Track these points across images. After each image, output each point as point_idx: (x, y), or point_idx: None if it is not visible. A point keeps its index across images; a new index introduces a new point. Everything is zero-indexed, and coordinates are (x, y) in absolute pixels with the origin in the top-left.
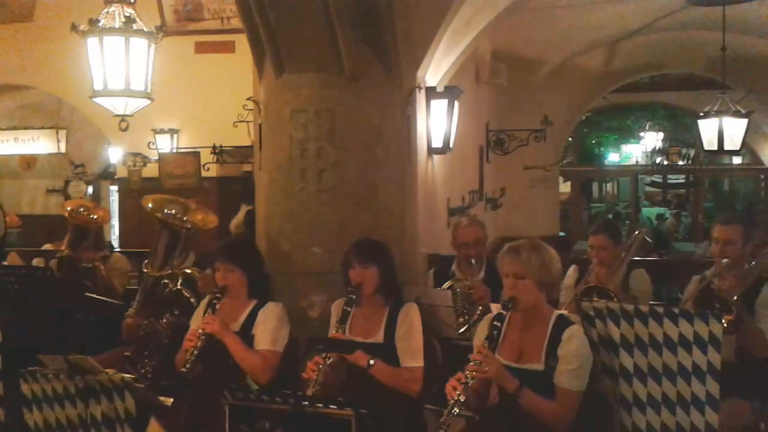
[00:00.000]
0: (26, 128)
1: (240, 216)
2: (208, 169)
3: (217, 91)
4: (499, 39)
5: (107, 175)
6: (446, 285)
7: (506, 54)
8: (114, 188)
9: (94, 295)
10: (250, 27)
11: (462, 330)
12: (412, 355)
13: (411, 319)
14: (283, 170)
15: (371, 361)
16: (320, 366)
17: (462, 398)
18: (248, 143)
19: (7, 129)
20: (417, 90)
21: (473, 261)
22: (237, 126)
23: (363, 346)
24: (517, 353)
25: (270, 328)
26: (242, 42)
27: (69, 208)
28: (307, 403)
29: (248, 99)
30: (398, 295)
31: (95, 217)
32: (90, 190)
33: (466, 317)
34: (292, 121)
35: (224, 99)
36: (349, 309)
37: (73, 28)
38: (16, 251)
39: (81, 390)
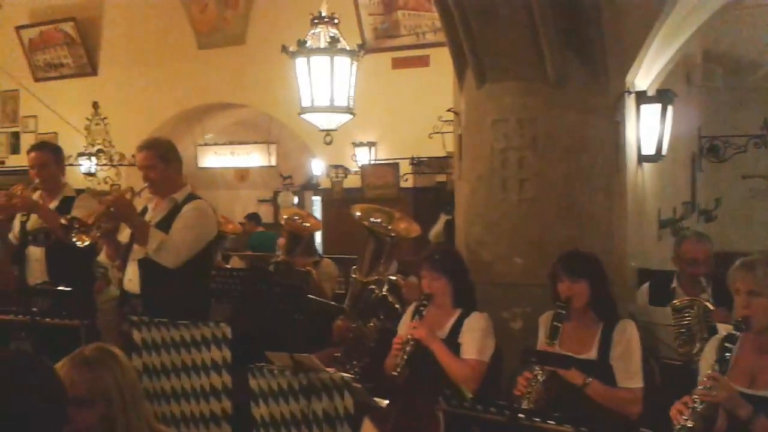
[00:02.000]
0: (241, 143)
1: (439, 225)
2: (406, 180)
3: (412, 105)
4: (711, 39)
5: (311, 185)
6: (678, 303)
7: (719, 55)
8: (317, 198)
9: (317, 299)
10: (452, 38)
11: (685, 351)
12: (631, 375)
13: (629, 337)
14: (483, 180)
15: (588, 380)
16: (532, 381)
17: (689, 424)
18: (443, 154)
19: (224, 144)
20: (626, 95)
21: (702, 279)
22: (432, 137)
23: (577, 363)
24: (750, 378)
25: (476, 337)
26: (437, 56)
27: (285, 217)
28: (523, 415)
29: (448, 110)
30: (612, 311)
31: (308, 225)
32: (296, 200)
33: (691, 337)
34: (494, 130)
35: (419, 112)
36: (558, 324)
37: (283, 49)
38: (238, 255)
39: (304, 387)
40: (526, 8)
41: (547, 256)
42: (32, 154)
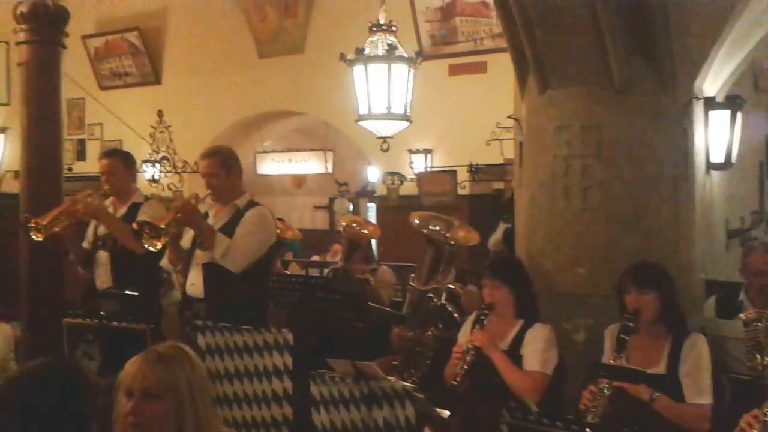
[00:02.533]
0: (298, 150)
1: (498, 234)
2: (464, 187)
3: (469, 111)
4: None
5: (366, 192)
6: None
7: None
8: (372, 205)
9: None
10: (513, 44)
11: (760, 367)
12: (700, 390)
13: (698, 352)
14: (545, 188)
15: (655, 395)
16: (597, 395)
17: None
18: (500, 161)
19: (282, 151)
20: (694, 101)
21: None
22: (490, 144)
23: (645, 377)
24: None
25: (539, 349)
26: (494, 62)
27: (343, 224)
28: (590, 431)
29: (508, 117)
30: (682, 324)
31: (366, 232)
32: (351, 207)
33: (759, 351)
34: (556, 137)
35: (476, 118)
36: (625, 337)
37: (342, 57)
38: (295, 261)
39: (365, 395)
40: (591, 13)
41: (611, 267)
42: (103, 161)
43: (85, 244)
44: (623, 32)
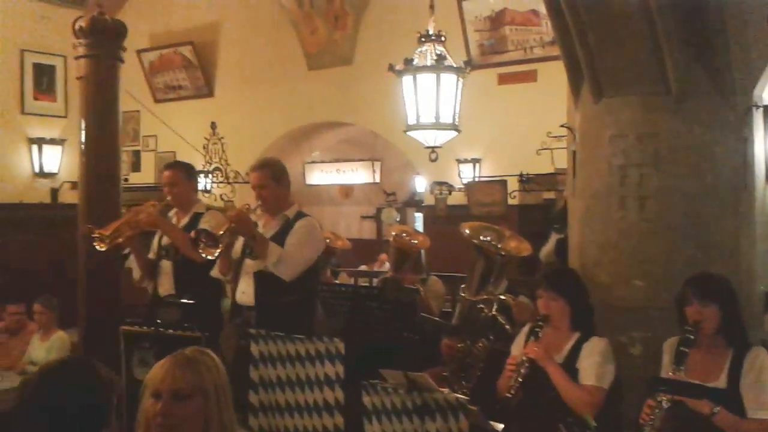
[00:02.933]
0: (346, 160)
1: (550, 245)
2: (514, 197)
3: (518, 120)
4: None
5: (413, 202)
6: None
7: None
8: (419, 215)
9: (429, 317)
10: (567, 52)
11: None
12: (762, 405)
13: (761, 365)
14: (600, 198)
15: (716, 409)
16: (655, 408)
17: None
18: (550, 170)
19: (330, 161)
20: (753, 109)
21: None
22: (540, 153)
23: (705, 391)
24: None
25: (596, 362)
26: (544, 71)
27: (393, 233)
28: None
29: (561, 126)
30: (743, 337)
31: (415, 242)
32: (398, 216)
33: None
34: (611, 146)
35: (525, 127)
36: (686, 349)
37: (390, 68)
38: (345, 271)
39: (418, 406)
40: (648, 19)
41: (669, 279)
42: (165, 173)
43: (151, 255)
44: (680, 39)
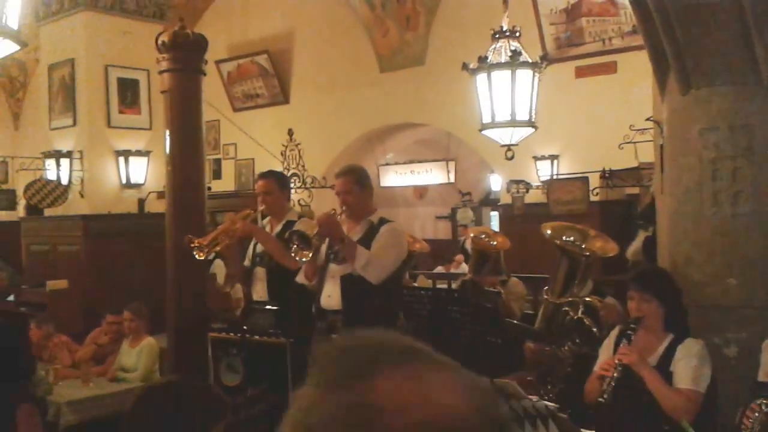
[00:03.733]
0: (420, 161)
1: (638, 243)
2: (597, 194)
3: (598, 114)
4: None
5: (489, 201)
6: None
7: None
8: (494, 214)
9: (512, 321)
10: (652, 43)
11: None
12: None
13: None
14: (691, 194)
15: None
16: (756, 412)
17: None
18: (634, 165)
19: (404, 163)
20: None
21: None
22: (623, 148)
23: None
24: None
25: (692, 366)
26: (624, 61)
27: (472, 235)
28: None
29: (647, 119)
30: None
31: (495, 243)
32: (473, 216)
33: None
34: (702, 139)
35: (605, 121)
36: None
37: (464, 67)
38: (423, 273)
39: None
40: (736, 6)
41: (766, 276)
42: (259, 182)
43: (246, 262)
44: None
